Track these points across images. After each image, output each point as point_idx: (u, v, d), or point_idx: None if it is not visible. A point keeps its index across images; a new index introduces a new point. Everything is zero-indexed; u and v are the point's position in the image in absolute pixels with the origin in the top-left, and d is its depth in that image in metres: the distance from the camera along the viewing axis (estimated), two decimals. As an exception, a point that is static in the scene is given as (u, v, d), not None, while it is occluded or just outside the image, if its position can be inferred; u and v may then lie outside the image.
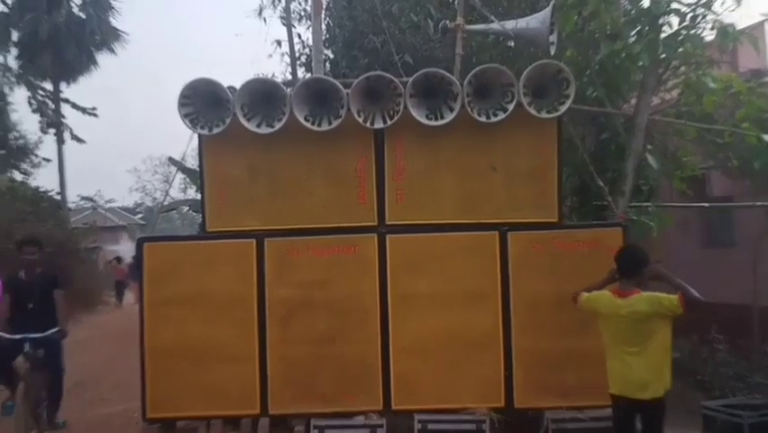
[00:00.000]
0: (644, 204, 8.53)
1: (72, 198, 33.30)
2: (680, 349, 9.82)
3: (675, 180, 9.39)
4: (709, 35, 7.48)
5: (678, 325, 10.47)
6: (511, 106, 5.77)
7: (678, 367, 9.49)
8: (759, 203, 10.03)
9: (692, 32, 7.32)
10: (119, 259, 24.25)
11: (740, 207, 10.50)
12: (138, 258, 6.04)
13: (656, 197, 9.23)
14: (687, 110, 8.52)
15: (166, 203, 17.56)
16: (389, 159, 6.01)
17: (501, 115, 5.79)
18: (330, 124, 5.76)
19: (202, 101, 5.84)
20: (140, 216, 44.61)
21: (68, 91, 25.86)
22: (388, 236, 5.93)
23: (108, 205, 43.37)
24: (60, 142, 24.78)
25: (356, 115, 5.74)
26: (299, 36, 12.40)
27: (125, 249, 30.38)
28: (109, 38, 26.20)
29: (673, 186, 9.75)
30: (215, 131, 5.81)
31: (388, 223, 5.98)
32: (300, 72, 11.89)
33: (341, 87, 5.74)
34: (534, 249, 5.95)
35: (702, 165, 10.00)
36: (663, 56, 7.55)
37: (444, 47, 9.64)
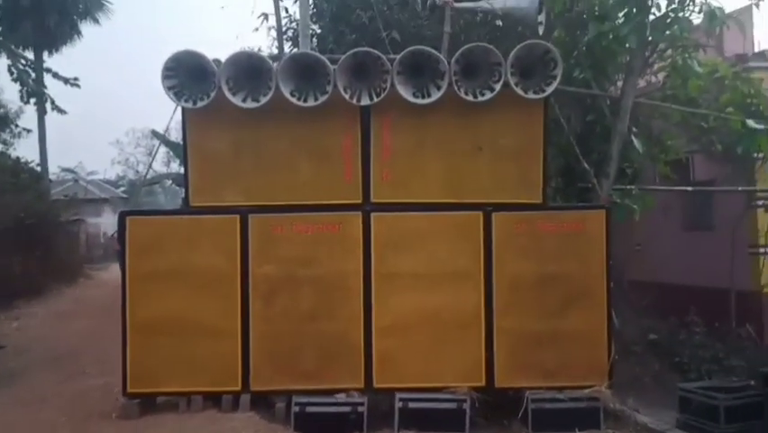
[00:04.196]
0: (628, 186, 8.57)
1: (53, 170, 32.86)
2: (658, 331, 9.96)
3: (659, 164, 9.45)
4: (697, 18, 7.47)
5: (656, 307, 10.65)
6: (498, 86, 5.75)
7: (656, 349, 9.66)
8: (741, 188, 10.14)
9: (680, 14, 7.31)
10: None
11: (722, 191, 10.58)
12: (120, 232, 5.98)
13: (640, 180, 9.29)
14: (672, 94, 8.56)
15: (149, 176, 17.41)
16: (375, 136, 5.98)
17: (488, 95, 5.78)
18: (316, 99, 5.71)
19: (186, 74, 5.76)
20: (122, 189, 44.14)
21: (50, 60, 25.40)
22: (372, 214, 5.92)
23: (90, 177, 42.83)
24: (42, 112, 24.36)
25: (342, 92, 5.70)
26: (286, 10, 12.19)
27: (107, 222, 30.11)
28: (92, 7, 25.69)
29: (657, 169, 9.82)
30: (200, 104, 5.75)
31: (373, 201, 5.97)
32: (287, 47, 11.72)
33: (328, 62, 5.69)
34: (517, 230, 5.97)
35: (686, 149, 10.06)
36: (651, 38, 7.55)
37: (432, 24, 9.55)
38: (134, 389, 5.81)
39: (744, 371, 8.46)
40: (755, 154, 9.62)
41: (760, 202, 10.47)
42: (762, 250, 10.74)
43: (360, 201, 5.97)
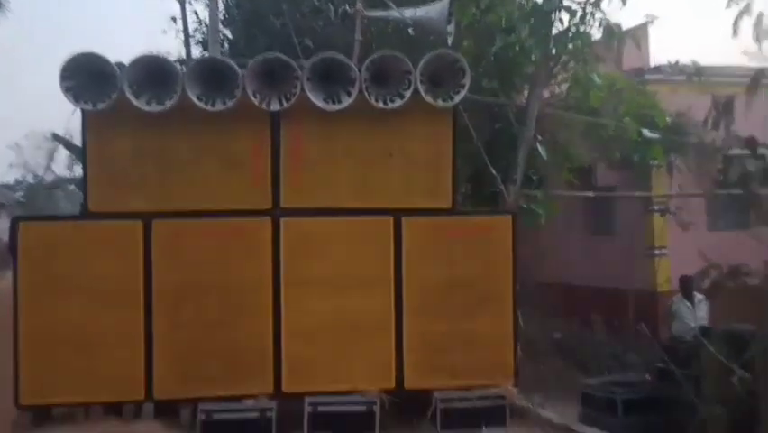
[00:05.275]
0: (534, 192, 8.88)
1: (-55, 173, 30.84)
2: (562, 331, 10.35)
3: (563, 171, 9.84)
4: (597, 33, 7.85)
5: (560, 307, 11.06)
6: (408, 93, 5.82)
7: (560, 348, 10.03)
8: (638, 193, 10.70)
9: (581, 29, 7.66)
10: None
11: (621, 197, 11.12)
12: (12, 238, 5.69)
13: (545, 186, 9.64)
14: (574, 104, 8.94)
15: (50, 181, 16.63)
16: (285, 142, 5.93)
17: (398, 102, 5.84)
18: (224, 104, 5.62)
19: (87, 75, 5.55)
20: (20, 193, 41.92)
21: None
22: (282, 219, 5.87)
23: (-15, 181, 40.51)
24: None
25: (252, 97, 5.63)
26: (196, 14, 11.98)
27: (2, 228, 28.58)
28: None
29: (562, 176, 10.22)
30: (100, 106, 5.55)
31: (282, 206, 5.92)
32: (198, 51, 11.50)
33: (236, 67, 5.62)
34: (427, 234, 6.05)
35: (588, 157, 10.53)
36: (554, 51, 7.87)
37: (345, 32, 9.60)
38: (28, 400, 5.52)
39: (640, 367, 8.93)
40: (651, 162, 10.19)
41: (656, 207, 11.09)
42: (657, 252, 11.38)
43: (269, 207, 5.90)
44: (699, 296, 8.51)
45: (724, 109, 7.80)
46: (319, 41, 9.84)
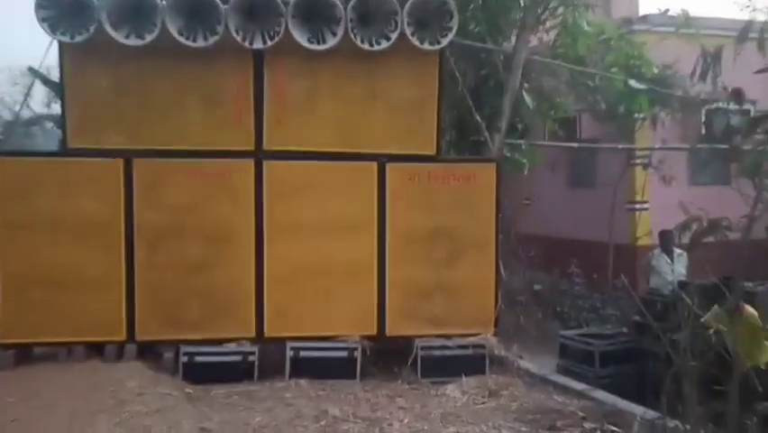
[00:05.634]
0: (519, 141, 8.82)
1: None
2: (542, 283, 10.45)
3: (548, 120, 9.77)
4: (588, -21, 7.70)
5: (540, 260, 11.14)
6: (394, 35, 5.68)
7: (540, 299, 10.13)
8: (621, 146, 10.68)
9: (572, -27, 7.50)
10: None
11: (604, 148, 11.10)
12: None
13: (530, 135, 9.59)
14: (562, 52, 8.82)
15: (28, 117, 16.21)
16: (269, 81, 5.79)
17: (384, 44, 5.71)
18: (206, 40, 5.45)
19: (64, 6, 5.34)
20: (-4, 130, 41.07)
21: None
22: (264, 162, 5.78)
23: (-40, 119, 39.60)
24: None
25: (234, 33, 5.46)
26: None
27: (-21, 167, 28.00)
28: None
29: (546, 126, 10.16)
30: (78, 39, 5.36)
31: (265, 149, 5.82)
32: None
33: (219, 1, 5.42)
34: (410, 181, 5.99)
35: (574, 107, 10.46)
36: (543, -4, 7.71)
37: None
38: (6, 339, 5.48)
39: (618, 319, 9.06)
40: (636, 114, 10.15)
41: (638, 160, 11.10)
42: (638, 206, 11.46)
43: (252, 148, 5.80)
44: (678, 250, 8.58)
45: (712, 61, 7.73)
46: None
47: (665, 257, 8.74)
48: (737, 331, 4.64)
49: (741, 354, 4.23)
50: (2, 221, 5.49)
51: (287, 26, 5.51)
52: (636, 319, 7.47)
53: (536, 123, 9.97)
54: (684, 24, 9.23)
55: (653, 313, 7.04)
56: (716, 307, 5.18)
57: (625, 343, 7.44)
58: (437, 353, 5.84)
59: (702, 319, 4.90)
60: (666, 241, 8.73)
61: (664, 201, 9.71)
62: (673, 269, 8.57)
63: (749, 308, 5.31)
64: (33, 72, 8.64)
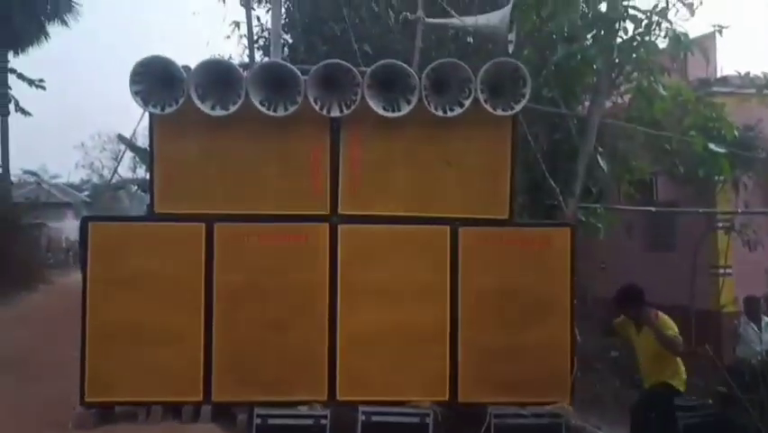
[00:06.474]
0: (594, 205, 8.68)
1: (15, 173, 32.12)
2: (619, 349, 10.05)
3: (623, 183, 9.60)
4: (662, 43, 7.64)
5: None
6: (468, 102, 5.78)
7: (617, 366, 9.74)
8: (702, 210, 10.36)
9: (647, 38, 7.46)
10: None
11: (684, 212, 10.79)
12: (83, 237, 5.87)
13: (605, 199, 9.42)
14: (637, 115, 8.71)
15: (114, 181, 17.15)
16: (345, 148, 5.96)
17: (458, 110, 5.81)
18: (286, 110, 5.68)
19: (155, 79, 5.68)
20: (86, 193, 43.29)
21: (15, 61, 24.95)
22: (340, 226, 5.89)
23: (53, 180, 42.02)
24: (5, 113, 23.87)
25: (313, 103, 5.68)
26: (258, 19, 12.19)
27: (70, 226, 29.53)
28: (61, 8, 25.30)
29: (621, 189, 9.97)
30: (168, 110, 5.67)
31: (340, 213, 5.94)
32: (258, 56, 11.69)
33: (299, 73, 5.67)
34: (483, 245, 5.99)
35: (650, 170, 10.25)
36: (618, 60, 7.68)
37: (404, 39, 9.61)
38: (92, 398, 5.67)
39: (702, 390, 8.61)
40: (716, 177, 9.86)
41: (720, 224, 10.73)
42: (721, 271, 11.01)
43: (327, 212, 5.94)
44: (766, 318, 8.20)
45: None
46: (378, 48, 9.88)
47: (752, 325, 8.35)
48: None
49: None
50: (94, 280, 5.75)
51: (362, 95, 5.69)
52: (722, 390, 7.09)
53: (611, 186, 9.81)
54: (766, 86, 9.01)
55: (740, 384, 6.69)
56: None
57: (710, 415, 7.06)
58: (511, 421, 5.70)
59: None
60: (753, 308, 8.37)
61: (749, 266, 9.32)
62: (762, 338, 8.17)
63: None
64: (122, 139, 9.15)
